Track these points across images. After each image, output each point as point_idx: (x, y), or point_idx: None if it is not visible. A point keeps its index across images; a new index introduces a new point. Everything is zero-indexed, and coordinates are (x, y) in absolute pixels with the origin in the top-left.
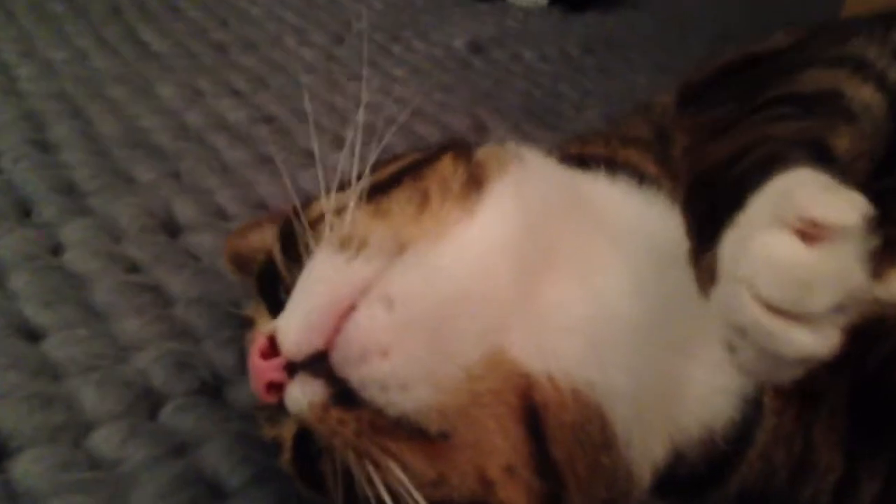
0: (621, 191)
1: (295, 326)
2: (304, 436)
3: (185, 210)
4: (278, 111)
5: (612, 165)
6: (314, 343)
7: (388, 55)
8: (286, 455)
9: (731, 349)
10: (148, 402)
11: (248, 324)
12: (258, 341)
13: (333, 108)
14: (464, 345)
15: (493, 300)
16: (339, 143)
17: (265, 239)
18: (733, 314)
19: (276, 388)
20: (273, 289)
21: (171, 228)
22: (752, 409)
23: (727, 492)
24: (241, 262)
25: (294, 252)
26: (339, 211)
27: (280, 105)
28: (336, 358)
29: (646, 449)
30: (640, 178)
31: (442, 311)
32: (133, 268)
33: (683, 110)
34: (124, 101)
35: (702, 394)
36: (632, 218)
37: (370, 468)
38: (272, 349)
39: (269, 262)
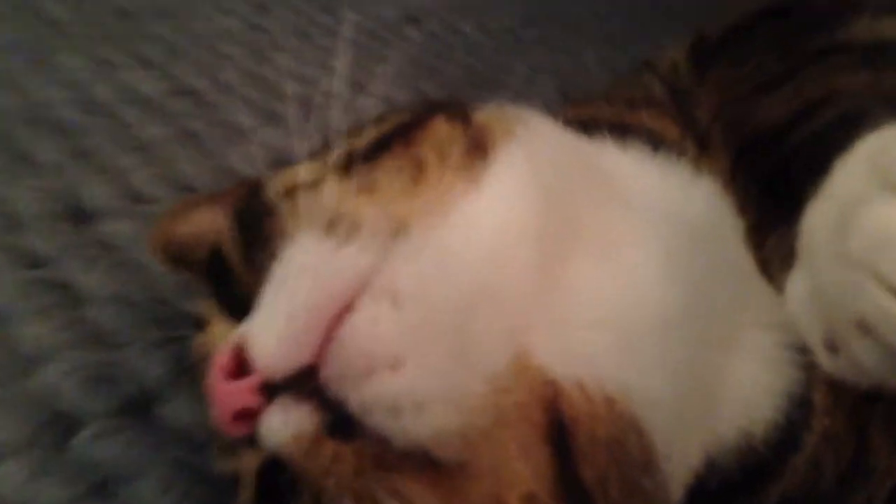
0: (636, 159)
1: (274, 334)
2: (272, 470)
3: (95, 194)
4: (198, 83)
5: (621, 130)
6: (301, 356)
7: (319, 26)
8: (246, 494)
9: (832, 348)
10: (58, 427)
11: (188, 325)
12: (221, 355)
13: (263, 80)
14: (488, 349)
15: (514, 291)
16: (270, 117)
17: (209, 222)
18: (852, 304)
19: (248, 416)
20: (228, 284)
21: (80, 215)
22: (798, 410)
23: (766, 501)
24: (175, 251)
25: (256, 238)
26: (315, 185)
27: (199, 77)
28: (330, 374)
29: (682, 462)
30: (657, 143)
31: (459, 307)
32: (35, 262)
33: (702, 68)
34: (18, 71)
35: (741, 394)
36: (653, 190)
37: None
38: (239, 365)
39: (221, 250)
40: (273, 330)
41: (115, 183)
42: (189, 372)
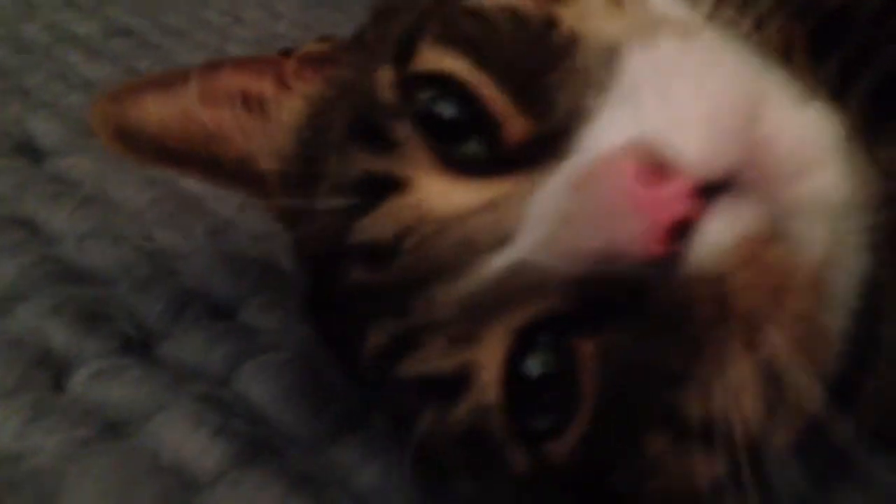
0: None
1: (703, 135)
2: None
3: (46, 130)
4: (136, 24)
5: None
6: (732, 157)
7: None
8: (487, 392)
9: None
10: (48, 368)
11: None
12: (627, 162)
13: (207, 23)
14: None
15: None
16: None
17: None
18: None
19: (680, 228)
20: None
21: (33, 152)
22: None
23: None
24: (138, 138)
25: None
26: None
27: (136, 18)
28: (763, 174)
29: None
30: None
31: None
32: None
33: None
34: None
35: None
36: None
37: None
38: (649, 172)
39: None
40: (701, 131)
41: (65, 119)
42: (191, 307)
